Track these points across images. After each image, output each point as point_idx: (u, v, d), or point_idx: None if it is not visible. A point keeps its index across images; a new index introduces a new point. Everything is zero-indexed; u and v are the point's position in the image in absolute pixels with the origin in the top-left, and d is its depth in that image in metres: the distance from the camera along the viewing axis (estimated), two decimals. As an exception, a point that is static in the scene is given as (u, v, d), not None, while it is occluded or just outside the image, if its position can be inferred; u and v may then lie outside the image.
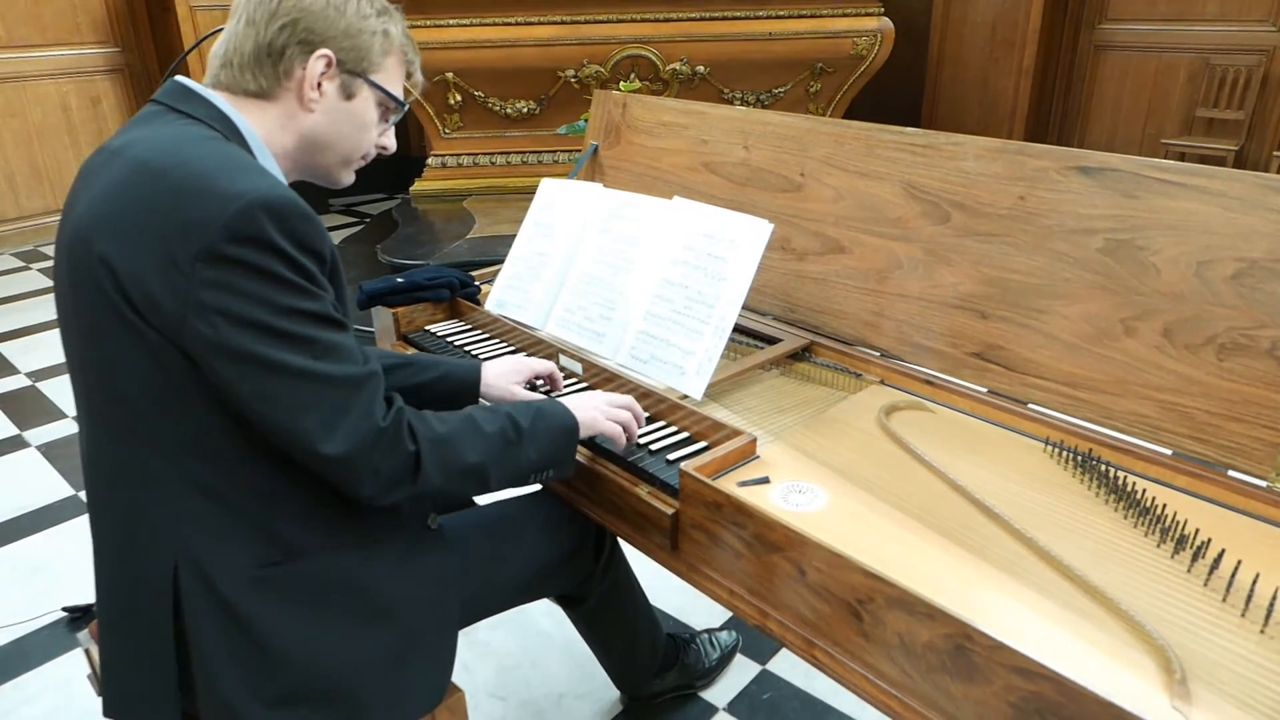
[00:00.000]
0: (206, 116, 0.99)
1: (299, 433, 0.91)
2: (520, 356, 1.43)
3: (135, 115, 1.03)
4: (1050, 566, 0.99)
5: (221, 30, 1.07)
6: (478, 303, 1.78)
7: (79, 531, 2.41)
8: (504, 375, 1.35)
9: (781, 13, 4.23)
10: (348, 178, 1.13)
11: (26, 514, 2.50)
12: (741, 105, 4.48)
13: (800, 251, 1.58)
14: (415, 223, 4.32)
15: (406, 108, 1.14)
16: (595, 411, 1.19)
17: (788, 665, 1.86)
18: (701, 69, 4.34)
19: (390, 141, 1.15)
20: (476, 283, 1.83)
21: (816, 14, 4.25)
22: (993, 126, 5.62)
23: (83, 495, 2.58)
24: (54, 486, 2.64)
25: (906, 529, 1.07)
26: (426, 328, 1.74)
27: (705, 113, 1.77)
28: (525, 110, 4.48)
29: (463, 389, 1.32)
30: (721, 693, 1.80)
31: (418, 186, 4.69)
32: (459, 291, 1.77)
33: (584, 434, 1.17)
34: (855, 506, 1.12)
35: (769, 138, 1.64)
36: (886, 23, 4.34)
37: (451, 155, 4.65)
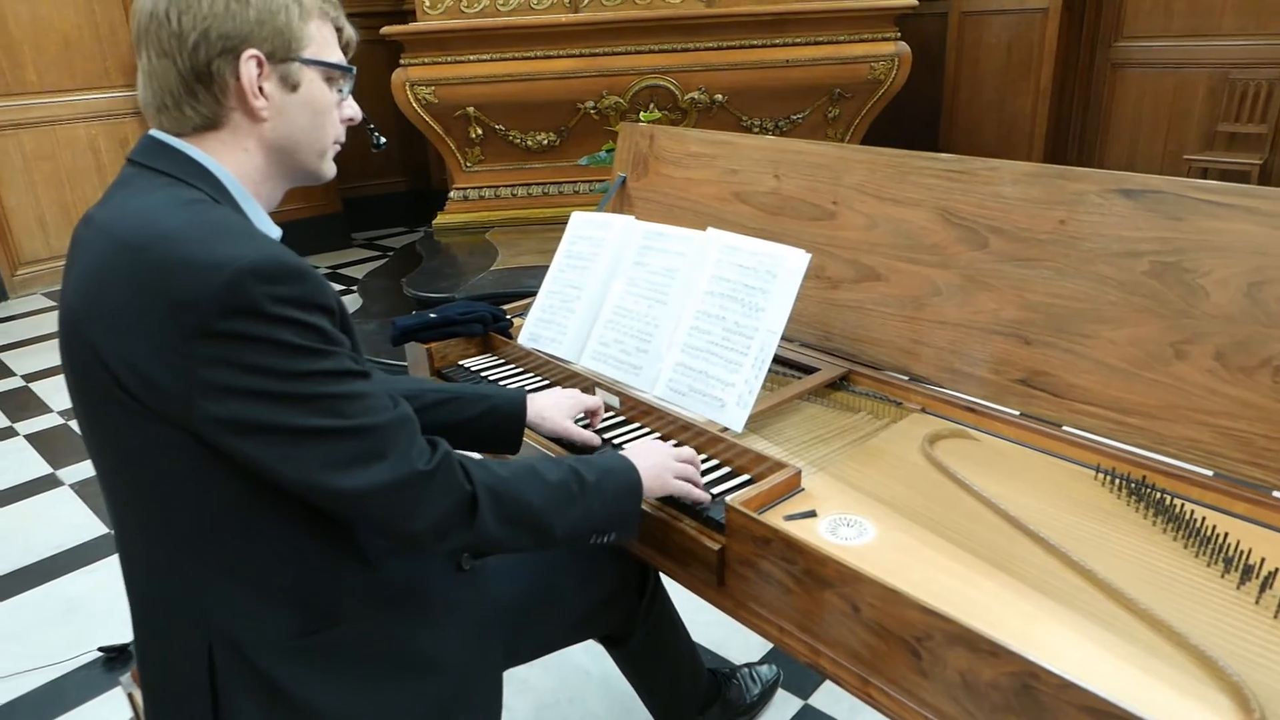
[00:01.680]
0: (182, 171, 0.93)
1: (334, 490, 0.87)
2: (570, 390, 1.40)
3: (116, 177, 0.98)
4: (1111, 599, 0.97)
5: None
6: (510, 337, 1.78)
7: (114, 570, 2.40)
8: (558, 408, 1.31)
9: (798, 40, 4.26)
10: (329, 169, 1.06)
11: (62, 552, 2.52)
12: (760, 132, 4.50)
13: (835, 279, 1.57)
14: (439, 256, 4.35)
15: (354, 70, 1.04)
16: (662, 470, 1.15)
17: (830, 700, 1.83)
18: (720, 97, 4.37)
19: (354, 110, 1.06)
20: (509, 317, 1.83)
21: (833, 40, 4.27)
22: (1011, 148, 5.60)
23: (117, 534, 2.59)
24: (88, 525, 2.66)
25: (959, 561, 1.05)
26: (460, 363, 1.74)
27: (734, 142, 1.78)
28: (546, 142, 4.52)
29: (509, 421, 1.29)
30: (763, 728, 1.76)
31: (440, 220, 4.73)
32: (492, 326, 1.77)
33: (649, 496, 1.13)
34: (905, 539, 1.10)
35: (800, 166, 1.64)
36: (904, 47, 4.35)
37: (473, 188, 4.69)
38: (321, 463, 0.86)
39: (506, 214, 4.69)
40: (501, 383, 1.62)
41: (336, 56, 1.02)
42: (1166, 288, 1.18)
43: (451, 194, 4.76)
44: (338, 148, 1.06)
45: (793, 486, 1.20)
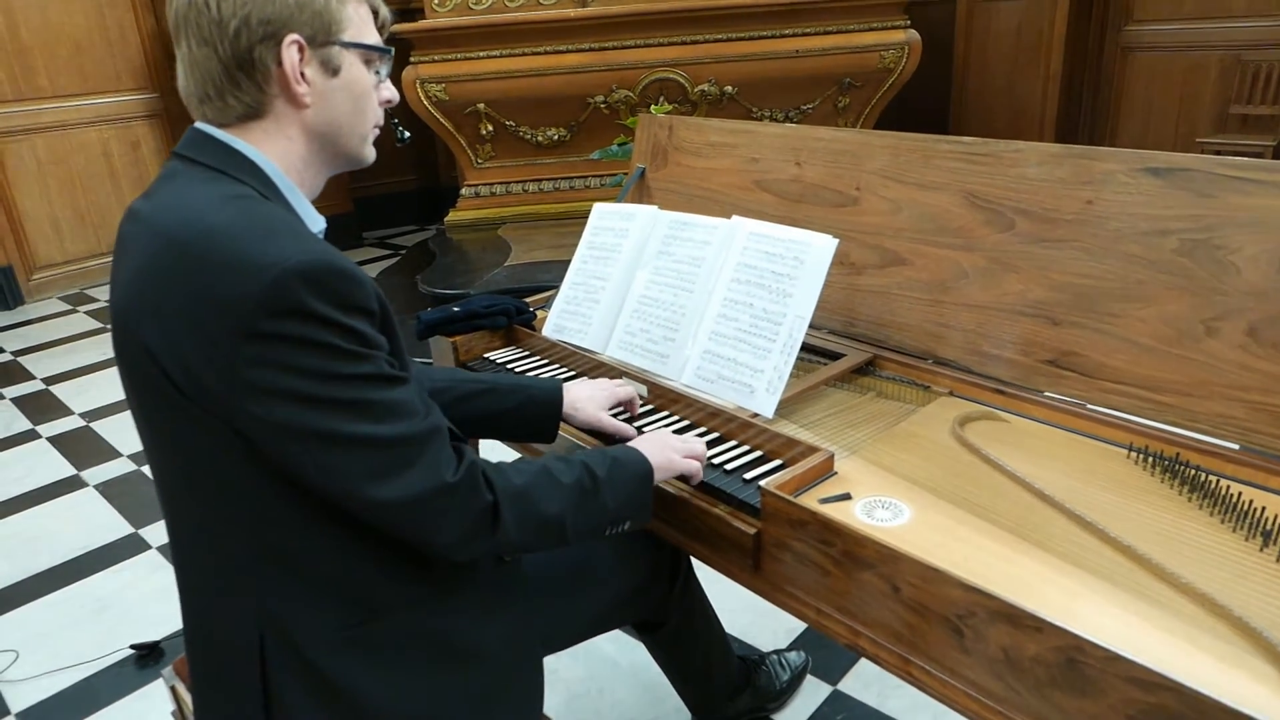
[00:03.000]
0: (228, 165, 0.93)
1: (362, 497, 0.88)
2: (603, 381, 1.41)
3: (162, 170, 0.98)
4: (1151, 573, 0.97)
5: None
6: (534, 329, 1.79)
7: (142, 568, 2.44)
8: (592, 400, 1.32)
9: (808, 29, 4.25)
10: (370, 153, 1.06)
11: (89, 552, 2.54)
12: (771, 122, 4.50)
13: (859, 265, 1.57)
14: (452, 253, 4.36)
15: (392, 51, 1.04)
16: (670, 452, 1.17)
17: (859, 685, 1.84)
18: (730, 89, 4.36)
19: (392, 93, 1.06)
20: (532, 309, 1.84)
21: (843, 29, 4.26)
22: (1021, 133, 5.57)
23: (143, 533, 2.62)
24: (114, 525, 2.68)
25: (997, 540, 1.06)
26: (485, 355, 1.75)
27: (754, 131, 1.78)
28: (556, 137, 4.52)
29: (546, 412, 1.30)
30: (794, 715, 1.77)
31: (452, 217, 4.74)
32: (516, 318, 1.78)
33: (659, 478, 1.15)
34: (942, 520, 1.11)
35: (821, 153, 1.64)
36: (913, 35, 4.34)
37: (484, 185, 4.70)
38: (352, 471, 0.87)
39: (518, 210, 4.70)
40: (529, 374, 1.63)
41: (374, 38, 1.02)
42: (1197, 265, 1.18)
43: (463, 191, 4.77)
44: (377, 131, 1.06)
45: (826, 470, 1.21)
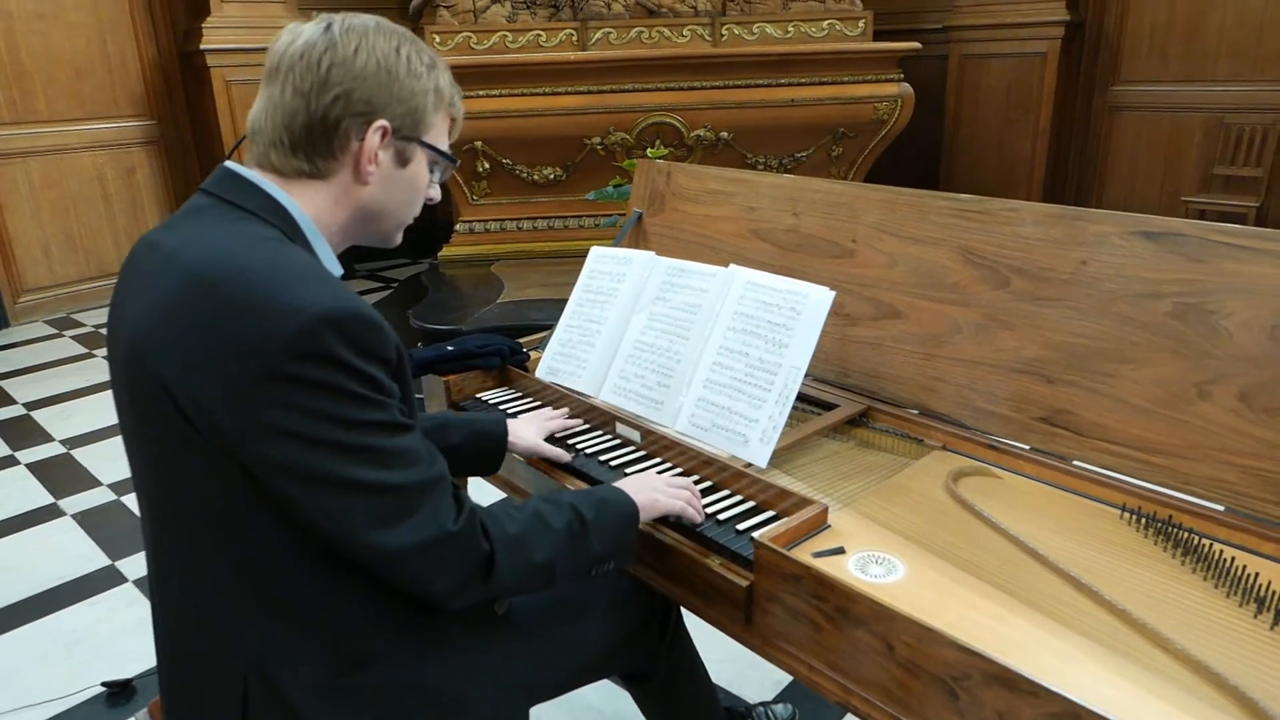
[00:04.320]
0: (259, 208, 0.94)
1: (364, 542, 0.88)
2: (542, 411, 1.57)
3: (185, 205, 0.99)
4: (1146, 638, 0.96)
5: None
6: (527, 369, 1.79)
7: (118, 601, 2.39)
8: (530, 428, 1.43)
9: (803, 80, 4.33)
10: (399, 239, 1.11)
11: (64, 584, 2.49)
12: (764, 170, 4.56)
13: (854, 316, 1.58)
14: (444, 288, 4.37)
15: (458, 162, 1.11)
16: (654, 493, 1.18)
17: (846, 739, 1.81)
18: (725, 135, 4.43)
19: (437, 194, 1.11)
20: (525, 350, 1.83)
21: (838, 80, 4.35)
22: (1010, 188, 5.67)
23: (120, 565, 2.57)
24: (91, 556, 2.63)
25: (991, 599, 1.05)
26: (477, 395, 1.75)
27: (752, 180, 1.80)
28: (552, 176, 4.57)
29: (491, 445, 1.38)
30: (779, 769, 1.74)
31: (446, 252, 4.76)
32: (509, 359, 1.78)
33: (644, 518, 1.16)
34: (935, 577, 1.10)
35: (818, 204, 1.66)
36: (907, 88, 4.43)
37: (479, 221, 4.73)
38: (358, 517, 0.87)
39: (512, 247, 4.73)
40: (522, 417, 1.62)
41: (445, 145, 1.07)
42: (1189, 328, 1.20)
43: (457, 226, 4.79)
44: (411, 221, 1.11)
45: (820, 523, 1.20)
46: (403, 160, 1.01)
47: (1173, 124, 5.38)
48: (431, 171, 1.07)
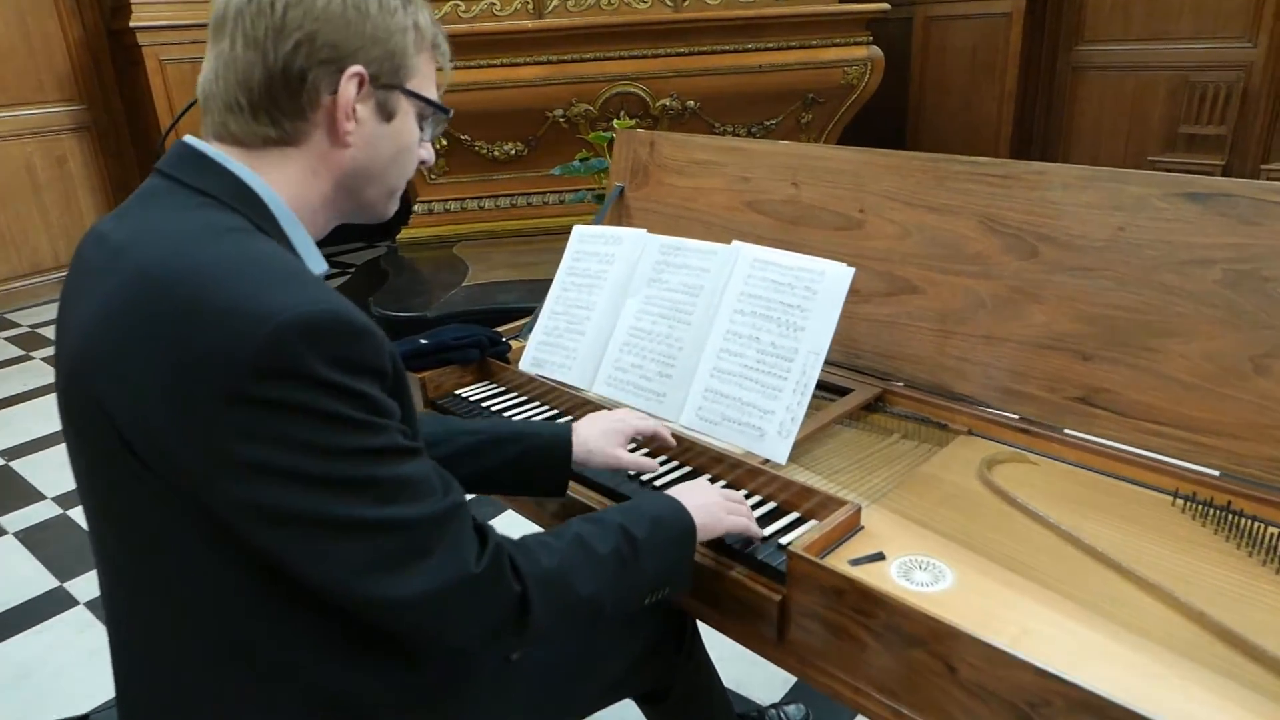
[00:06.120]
0: (222, 192, 0.80)
1: (366, 593, 0.73)
2: (618, 412, 1.23)
3: (140, 188, 0.84)
4: (1233, 646, 0.87)
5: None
6: (508, 361, 1.65)
7: (68, 628, 2.21)
8: (605, 435, 1.15)
9: (770, 44, 4.19)
10: (392, 208, 0.95)
11: (8, 611, 2.29)
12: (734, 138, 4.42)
13: (865, 293, 1.47)
14: (405, 273, 4.18)
15: (450, 113, 0.94)
16: (716, 509, 1.02)
17: (862, 738, 1.72)
18: (692, 104, 4.28)
19: (429, 154, 0.96)
20: (505, 339, 1.69)
21: (805, 44, 4.22)
22: (977, 150, 5.60)
23: (70, 586, 2.38)
24: (37, 578, 2.43)
25: (1052, 607, 0.95)
26: (456, 392, 1.60)
27: (745, 149, 1.67)
28: (513, 152, 4.38)
29: (551, 463, 1.14)
30: (794, 774, 1.65)
31: (405, 234, 4.56)
32: (489, 350, 1.64)
33: (703, 538, 1.01)
34: (987, 582, 1.00)
35: (820, 173, 1.54)
36: (876, 51, 4.32)
37: (438, 201, 4.53)
38: (356, 563, 0.72)
39: (474, 227, 4.54)
40: (506, 414, 1.48)
41: (434, 94, 0.92)
42: (1242, 297, 1.10)
43: (415, 207, 4.59)
44: (403, 187, 0.95)
45: (853, 525, 1.09)
46: (386, 113, 0.86)
47: (1137, 83, 5.34)
48: (421, 127, 0.91)
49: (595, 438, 1.15)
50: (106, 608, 0.87)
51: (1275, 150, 4.89)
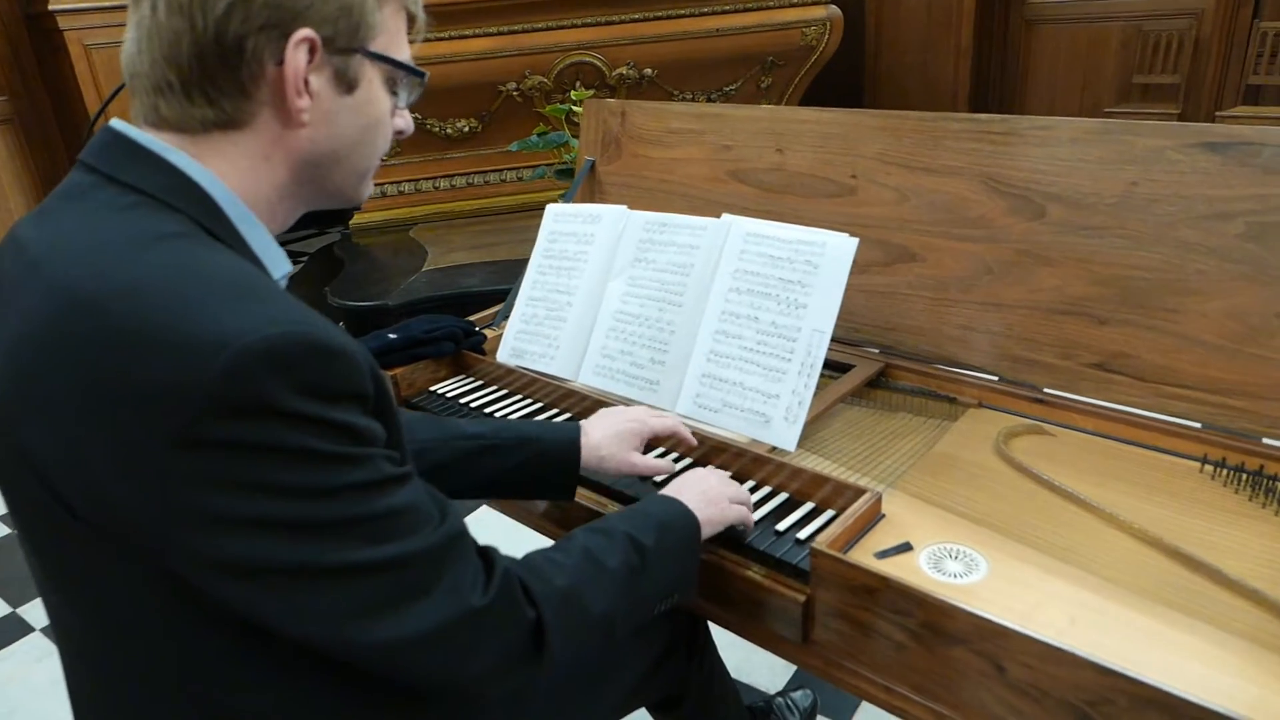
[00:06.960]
0: (159, 189, 0.67)
1: (363, 643, 0.64)
2: (633, 410, 1.12)
3: (62, 184, 0.71)
4: (1292, 625, 0.82)
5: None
6: (484, 352, 1.55)
7: (25, 656, 2.07)
8: (619, 439, 1.05)
9: (727, 7, 4.07)
10: (367, 191, 0.82)
11: (-42, 641, 2.16)
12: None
13: (861, 263, 1.37)
14: (361, 259, 4.01)
15: (426, 77, 0.79)
16: (718, 500, 0.95)
17: (871, 720, 1.68)
18: (649, 72, 4.15)
19: (407, 123, 0.81)
20: (480, 329, 1.59)
21: (763, 6, 4.10)
22: (935, 108, 5.56)
23: (23, 612, 2.24)
24: (-14, 602, 2.29)
25: (1095, 591, 0.89)
26: (431, 389, 1.50)
27: (724, 114, 1.58)
28: (466, 129, 4.22)
29: (558, 468, 1.03)
30: (805, 761, 1.60)
31: (357, 220, 4.38)
32: (464, 342, 1.53)
33: (707, 534, 0.93)
34: (1023, 569, 0.94)
35: (806, 137, 1.45)
36: (835, 10, 4.22)
37: (391, 183, 4.36)
38: (346, 609, 0.63)
39: (429, 209, 4.37)
40: (486, 410, 1.39)
41: (406, 54, 0.78)
42: (1268, 251, 1.05)
43: (367, 191, 4.41)
44: (379, 166, 0.82)
45: (875, 514, 1.02)
46: (346, 84, 0.72)
47: (1090, 34, 5.33)
48: (393, 93, 0.77)
49: (608, 442, 1.04)
50: (67, 677, 0.77)
51: (1228, 96, 4.92)
